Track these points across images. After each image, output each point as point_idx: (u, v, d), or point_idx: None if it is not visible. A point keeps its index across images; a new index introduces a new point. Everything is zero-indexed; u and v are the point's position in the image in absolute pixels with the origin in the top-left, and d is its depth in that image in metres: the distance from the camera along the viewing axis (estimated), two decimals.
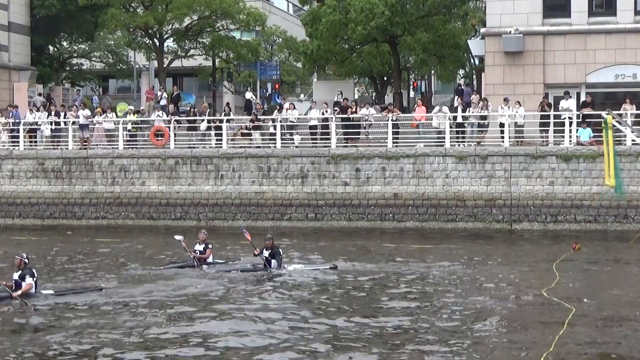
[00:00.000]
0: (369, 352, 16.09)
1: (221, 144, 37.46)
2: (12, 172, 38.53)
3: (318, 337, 17.21)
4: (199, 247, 25.68)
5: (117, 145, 38.48)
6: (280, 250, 25.17)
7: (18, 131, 39.58)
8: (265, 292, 21.99)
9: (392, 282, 23.45)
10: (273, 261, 24.69)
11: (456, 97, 40.99)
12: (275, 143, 37.05)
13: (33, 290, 20.90)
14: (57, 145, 39.51)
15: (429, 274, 24.72)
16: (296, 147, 37.11)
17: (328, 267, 25.17)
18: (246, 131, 38.37)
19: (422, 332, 17.62)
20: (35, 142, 40.31)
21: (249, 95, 47.97)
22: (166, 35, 57.13)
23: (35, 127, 40.42)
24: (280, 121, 37.61)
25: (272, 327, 18.04)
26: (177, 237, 25.96)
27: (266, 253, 24.79)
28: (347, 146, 36.86)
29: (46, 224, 37.48)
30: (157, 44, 56.67)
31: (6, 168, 38.59)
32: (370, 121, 37.94)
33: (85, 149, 38.71)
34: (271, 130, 38.08)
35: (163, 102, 44.32)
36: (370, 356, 15.90)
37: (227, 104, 44.13)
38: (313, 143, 37.56)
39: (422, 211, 34.78)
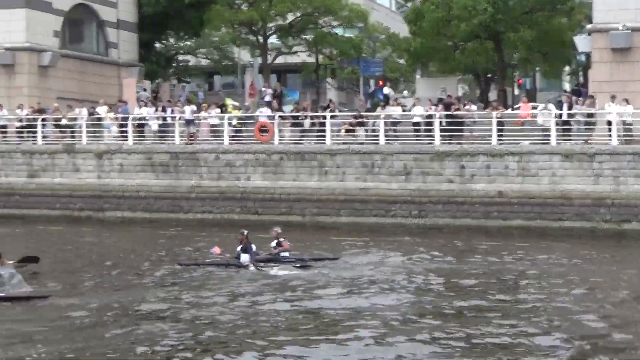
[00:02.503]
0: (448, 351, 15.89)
1: (325, 140, 37.66)
2: (122, 166, 39.36)
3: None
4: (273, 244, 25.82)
5: (223, 140, 38.99)
6: (253, 246, 25.04)
7: (127, 126, 40.44)
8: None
9: (481, 279, 23.32)
10: (243, 255, 24.74)
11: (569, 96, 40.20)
12: (379, 139, 37.10)
13: None
14: (165, 140, 40.24)
15: (528, 272, 24.51)
16: (400, 143, 37.07)
17: (298, 265, 25.03)
18: (350, 127, 38.49)
19: (505, 333, 17.24)
20: (144, 136, 41.08)
21: (387, 90, 47.99)
22: (270, 32, 57.80)
23: (144, 122, 41.23)
24: (384, 118, 37.65)
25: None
26: (213, 250, 25.72)
27: (238, 248, 25.02)
28: (451, 143, 36.67)
29: (154, 217, 38.18)
30: (261, 40, 57.32)
31: (116, 162, 39.44)
32: (475, 118, 37.71)
33: (192, 143, 39.32)
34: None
35: (267, 98, 44.76)
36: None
37: (330, 100, 44.37)
38: (417, 140, 37.46)
39: (527, 209, 34.38)
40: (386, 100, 42.70)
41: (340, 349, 15.98)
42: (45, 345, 16.15)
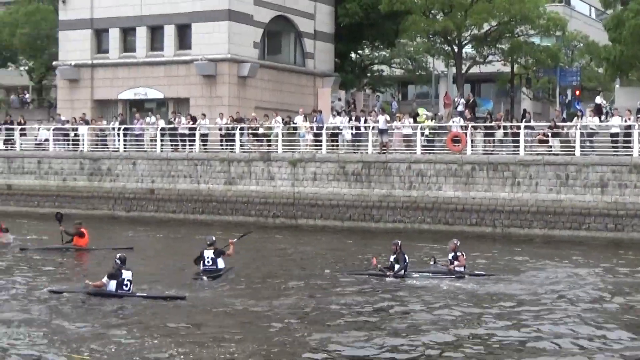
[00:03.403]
0: None
1: (518, 150, 37.16)
2: (315, 174, 40.07)
3: None
4: (449, 257, 25.25)
5: (415, 150, 39.08)
6: (406, 256, 24.84)
7: (321, 135, 41.14)
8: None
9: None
10: (396, 266, 24.55)
11: None
12: (574, 150, 36.30)
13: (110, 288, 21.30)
14: (357, 149, 40.69)
15: None
16: (596, 155, 36.16)
17: (452, 277, 24.43)
18: (544, 138, 37.83)
19: None
20: (337, 146, 41.65)
21: (599, 99, 46.94)
22: (465, 41, 57.34)
23: (337, 131, 41.85)
24: (580, 128, 36.81)
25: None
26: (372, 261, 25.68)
27: (391, 258, 24.84)
28: None
29: (345, 225, 38.66)
30: (456, 50, 57.03)
31: (309, 170, 40.19)
32: None
33: (384, 153, 39.60)
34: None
35: (460, 108, 44.58)
36: None
37: (525, 110, 43.72)
38: (614, 151, 36.44)
39: None
40: (599, 111, 41.35)
41: None
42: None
